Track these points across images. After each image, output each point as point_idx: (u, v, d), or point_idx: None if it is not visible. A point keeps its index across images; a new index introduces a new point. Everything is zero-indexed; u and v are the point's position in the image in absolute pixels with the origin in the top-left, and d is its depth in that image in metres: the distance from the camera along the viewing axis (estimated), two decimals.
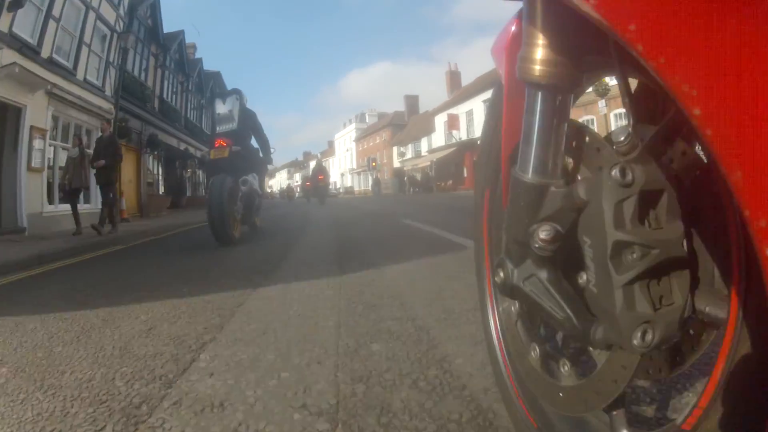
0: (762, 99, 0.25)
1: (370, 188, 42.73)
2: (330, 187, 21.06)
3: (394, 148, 40.35)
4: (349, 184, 55.17)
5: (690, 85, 0.29)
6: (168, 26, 15.76)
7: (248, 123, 4.50)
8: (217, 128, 4.39)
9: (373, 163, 38.30)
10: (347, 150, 55.07)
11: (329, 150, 68.94)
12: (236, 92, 4.49)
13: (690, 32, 0.28)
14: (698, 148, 0.44)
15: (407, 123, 41.61)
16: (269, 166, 5.65)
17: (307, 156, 73.98)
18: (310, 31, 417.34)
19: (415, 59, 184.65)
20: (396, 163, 39.42)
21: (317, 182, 15.81)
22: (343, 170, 57.74)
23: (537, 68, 0.48)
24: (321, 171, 16.41)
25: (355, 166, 52.04)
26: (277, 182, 75.17)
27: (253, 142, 4.88)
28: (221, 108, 4.43)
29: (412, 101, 44.96)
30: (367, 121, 55.21)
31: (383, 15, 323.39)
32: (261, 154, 5.12)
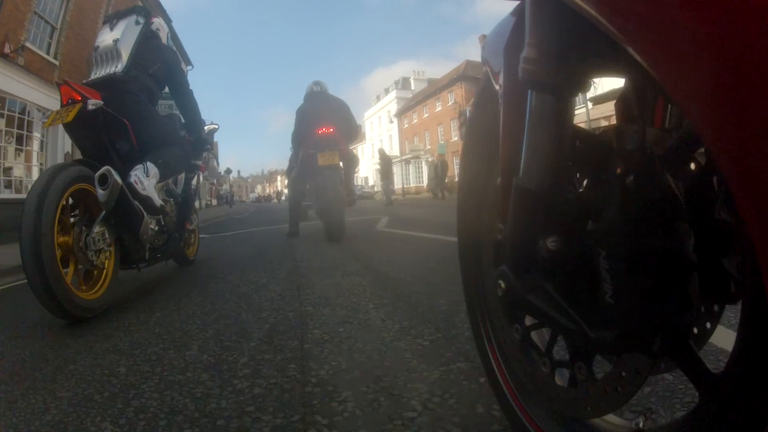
0: (762, 100, 0.28)
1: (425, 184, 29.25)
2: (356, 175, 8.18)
3: None
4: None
5: (689, 85, 0.32)
6: None
7: (153, 68, 2.83)
8: (92, 73, 2.70)
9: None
10: (390, 121, 42.38)
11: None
12: (138, 11, 2.89)
13: (689, 32, 0.31)
14: (698, 149, 0.50)
15: None
16: (209, 159, 3.83)
17: None
18: (329, 32, 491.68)
19: (440, 58, 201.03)
20: None
21: (314, 149, 4.80)
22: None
23: (540, 69, 0.54)
24: (328, 116, 5.10)
25: (397, 153, 38.77)
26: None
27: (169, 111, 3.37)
28: (106, 36, 2.72)
29: None
30: (412, 87, 43.86)
31: (403, 15, 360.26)
32: (184, 131, 3.30)
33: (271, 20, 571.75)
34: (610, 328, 0.51)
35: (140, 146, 2.63)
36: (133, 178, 2.42)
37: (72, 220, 2.25)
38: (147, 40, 2.83)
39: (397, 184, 40.54)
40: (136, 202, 2.42)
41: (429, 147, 36.43)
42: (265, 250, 4.55)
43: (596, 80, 0.59)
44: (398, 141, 45.00)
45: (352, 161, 5.33)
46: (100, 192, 2.16)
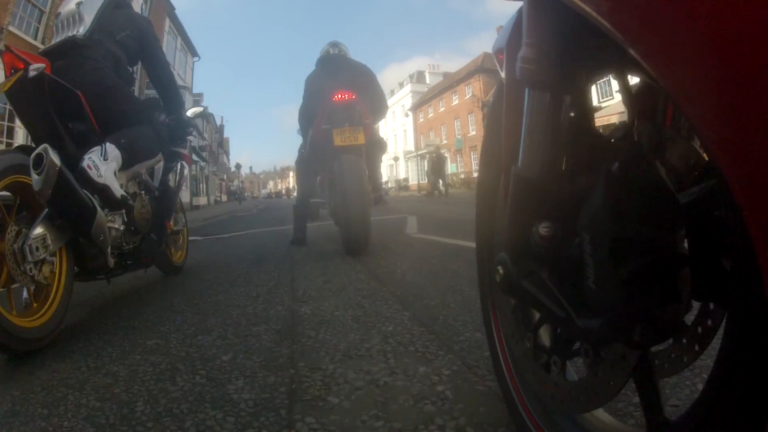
0: (761, 99, 0.28)
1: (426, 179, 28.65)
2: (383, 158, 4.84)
3: None
4: (402, 175, 41.42)
5: (689, 85, 0.33)
6: None
7: (122, 34, 2.44)
8: (54, 40, 2.40)
9: None
10: (406, 115, 41.78)
11: None
12: None
13: (689, 32, 0.32)
14: (699, 146, 0.51)
15: None
16: (194, 142, 2.92)
17: None
18: (342, 28, 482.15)
19: (453, 53, 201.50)
20: None
21: (328, 123, 3.30)
22: (395, 153, 43.83)
23: (537, 68, 0.56)
24: (348, 83, 3.53)
25: (412, 148, 38.05)
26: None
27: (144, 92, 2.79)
28: (69, 2, 2.38)
29: None
30: (427, 81, 42.70)
31: (416, 11, 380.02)
32: (164, 115, 2.79)
33: (283, 17, 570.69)
34: (595, 316, 0.53)
35: (101, 125, 2.15)
36: (86, 162, 1.91)
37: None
38: (117, 8, 2.49)
39: (412, 180, 39.55)
40: (85, 192, 1.88)
41: (445, 141, 35.41)
42: (256, 268, 3.06)
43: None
44: (413, 136, 44.62)
45: (378, 145, 3.98)
46: (35, 177, 1.65)
